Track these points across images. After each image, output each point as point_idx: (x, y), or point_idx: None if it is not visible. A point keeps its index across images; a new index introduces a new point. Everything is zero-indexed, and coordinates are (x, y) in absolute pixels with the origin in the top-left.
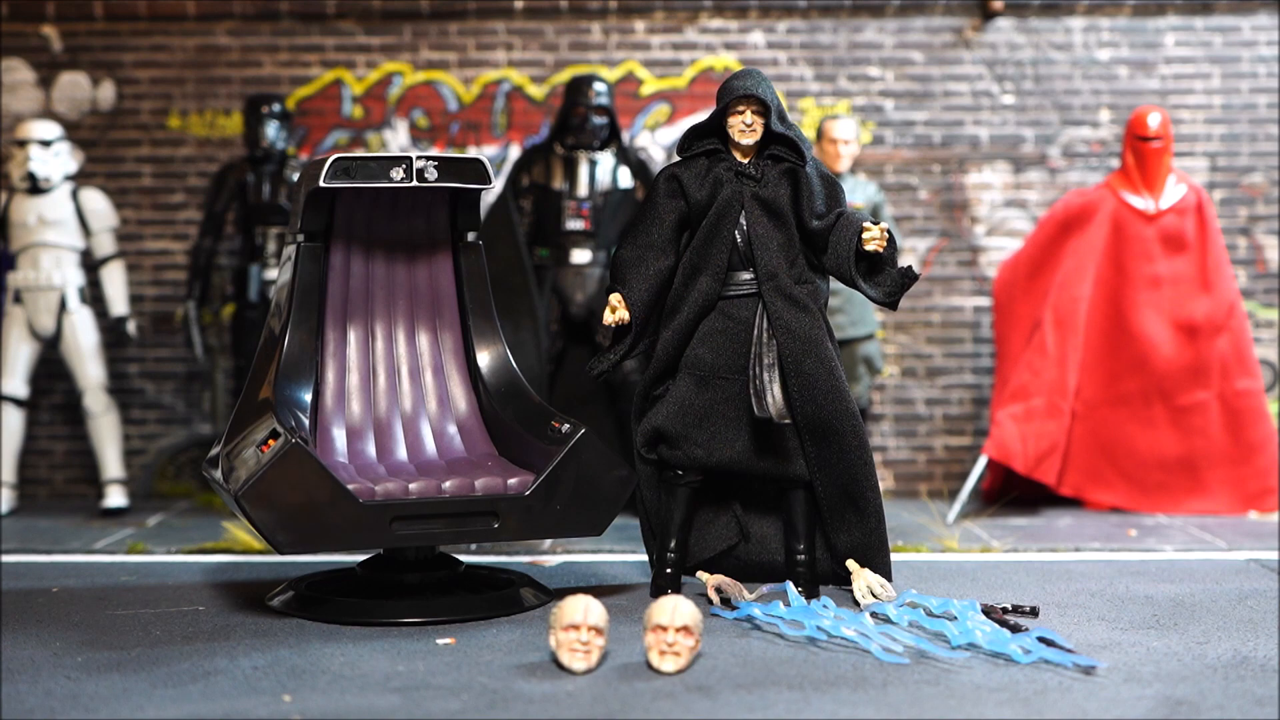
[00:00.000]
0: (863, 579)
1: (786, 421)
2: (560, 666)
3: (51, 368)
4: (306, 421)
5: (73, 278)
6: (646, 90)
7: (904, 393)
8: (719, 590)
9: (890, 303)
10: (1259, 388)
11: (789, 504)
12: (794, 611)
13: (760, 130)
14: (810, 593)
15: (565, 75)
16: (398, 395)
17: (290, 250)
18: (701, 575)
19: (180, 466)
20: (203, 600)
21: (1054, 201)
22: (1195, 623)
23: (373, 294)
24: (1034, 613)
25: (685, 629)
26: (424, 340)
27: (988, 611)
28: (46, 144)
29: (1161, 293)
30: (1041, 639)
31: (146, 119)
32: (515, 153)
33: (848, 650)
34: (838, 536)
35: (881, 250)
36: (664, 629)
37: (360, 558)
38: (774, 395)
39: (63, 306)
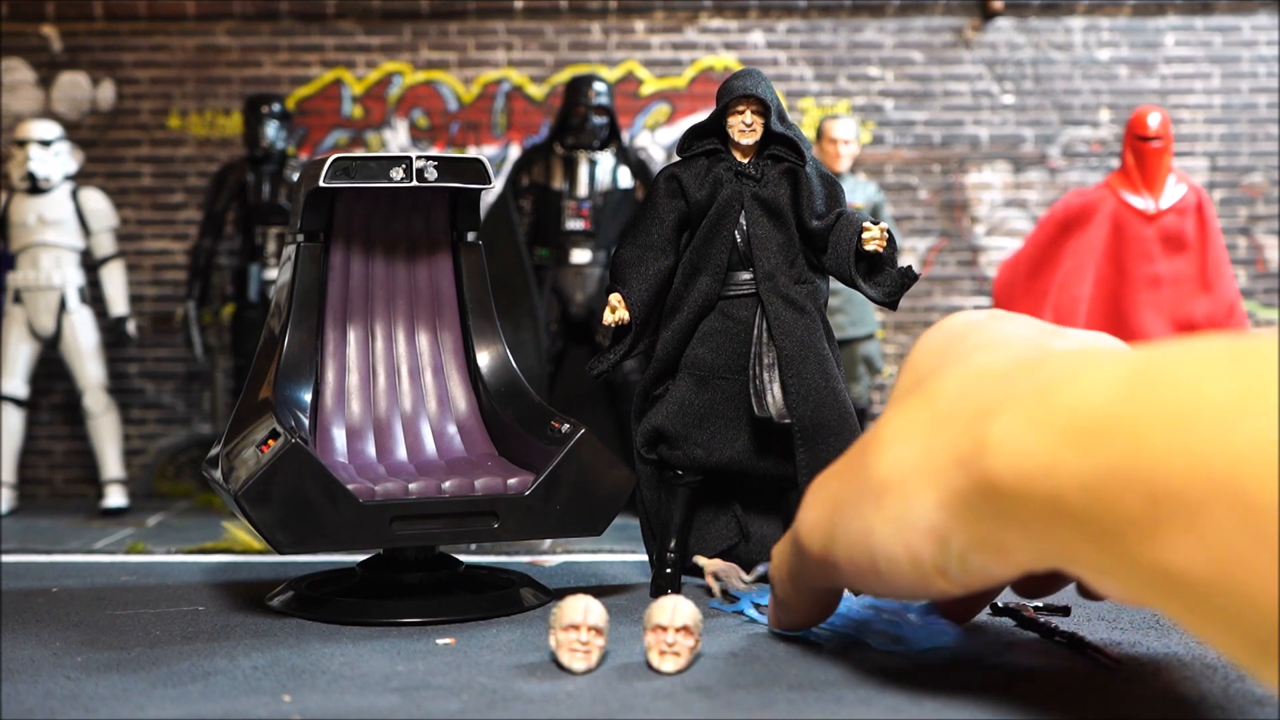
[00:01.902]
0: None
1: (787, 421)
2: (560, 666)
3: (51, 368)
4: (306, 421)
5: (73, 278)
6: (646, 90)
7: None
8: (716, 577)
9: (890, 303)
10: None
11: (789, 504)
12: None
13: (760, 130)
14: None
15: (565, 75)
16: (397, 395)
17: (290, 250)
18: (699, 560)
19: (180, 466)
20: (203, 600)
21: (1054, 201)
22: None
23: (372, 294)
24: (1066, 611)
25: (685, 629)
26: (424, 340)
27: (1019, 610)
28: (46, 144)
29: (1161, 292)
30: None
31: (146, 119)
32: (515, 153)
33: (848, 650)
34: None
35: (881, 250)
36: (664, 629)
37: (360, 558)
38: (774, 395)
39: (63, 306)
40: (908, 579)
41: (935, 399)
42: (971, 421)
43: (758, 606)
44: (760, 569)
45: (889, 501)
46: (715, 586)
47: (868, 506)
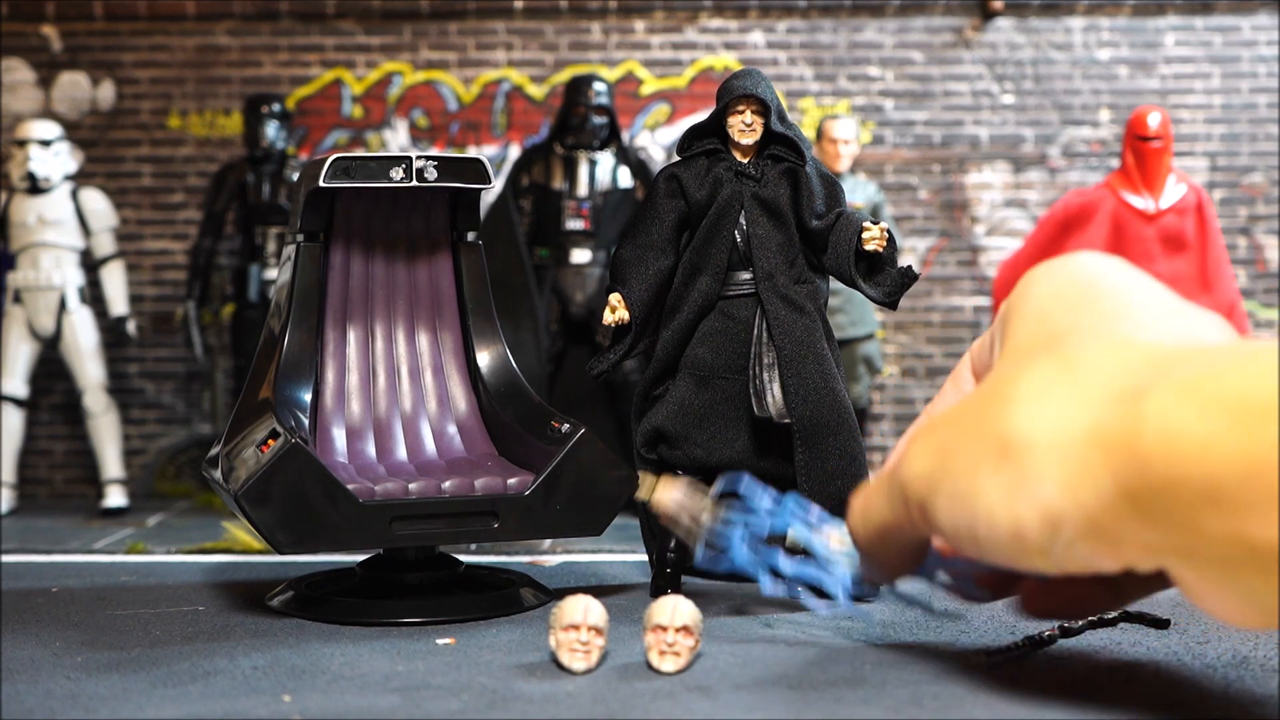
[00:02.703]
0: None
1: (787, 421)
2: (560, 666)
3: (51, 368)
4: (306, 421)
5: (72, 278)
6: (646, 90)
7: (904, 393)
8: (676, 520)
9: (890, 303)
10: None
11: None
12: (802, 570)
13: (760, 130)
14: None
15: (565, 75)
16: (397, 395)
17: (290, 250)
18: (644, 495)
19: (180, 466)
20: (203, 600)
21: (1054, 201)
22: (1195, 623)
23: (372, 294)
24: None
25: (685, 629)
26: (424, 340)
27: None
28: (46, 144)
29: None
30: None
31: (146, 119)
32: (515, 153)
33: (848, 650)
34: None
35: (881, 250)
36: (664, 629)
37: (360, 557)
38: (774, 395)
39: (62, 306)
40: (1004, 550)
41: (1075, 366)
42: (1119, 401)
43: (774, 573)
44: (717, 488)
45: (1007, 466)
46: (683, 531)
47: (982, 464)
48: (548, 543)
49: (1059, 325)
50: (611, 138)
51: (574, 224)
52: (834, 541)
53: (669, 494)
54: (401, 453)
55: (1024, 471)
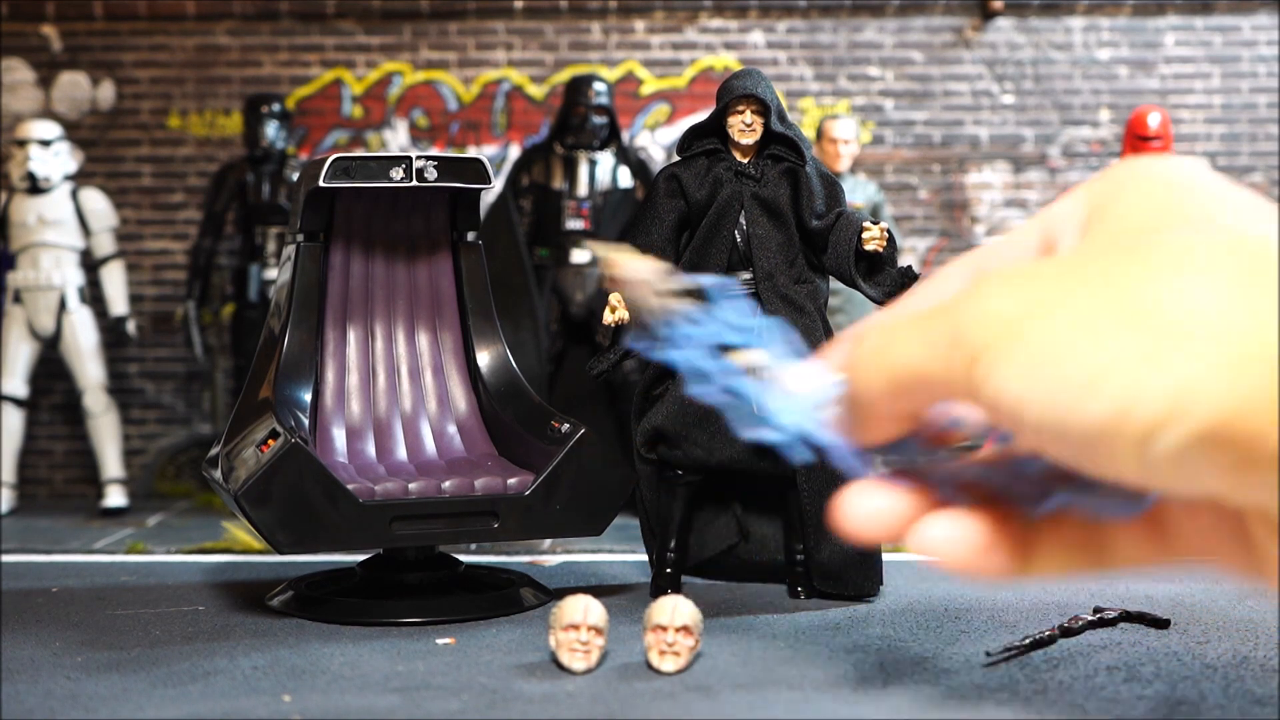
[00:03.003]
0: None
1: None
2: (560, 666)
3: (51, 368)
4: (306, 421)
5: (72, 277)
6: (646, 90)
7: None
8: (633, 286)
9: (890, 303)
10: None
11: (790, 504)
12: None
13: (760, 130)
14: (809, 592)
15: (565, 75)
16: (397, 395)
17: (290, 250)
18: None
19: (180, 466)
20: (203, 600)
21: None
22: (1195, 623)
23: (372, 294)
24: (1164, 624)
25: (685, 629)
26: (424, 340)
27: (1099, 611)
28: (46, 144)
29: None
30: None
31: (146, 119)
32: (515, 153)
33: (847, 650)
34: (821, 550)
35: (881, 250)
36: (664, 629)
37: (360, 557)
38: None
39: (62, 306)
40: (1086, 431)
41: (1247, 252)
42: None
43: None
44: (688, 282)
45: (1144, 331)
46: (630, 303)
47: (1104, 319)
48: (548, 543)
49: (1206, 209)
50: (611, 138)
51: (574, 224)
52: (792, 381)
53: (635, 263)
54: (401, 453)
55: (1167, 342)
